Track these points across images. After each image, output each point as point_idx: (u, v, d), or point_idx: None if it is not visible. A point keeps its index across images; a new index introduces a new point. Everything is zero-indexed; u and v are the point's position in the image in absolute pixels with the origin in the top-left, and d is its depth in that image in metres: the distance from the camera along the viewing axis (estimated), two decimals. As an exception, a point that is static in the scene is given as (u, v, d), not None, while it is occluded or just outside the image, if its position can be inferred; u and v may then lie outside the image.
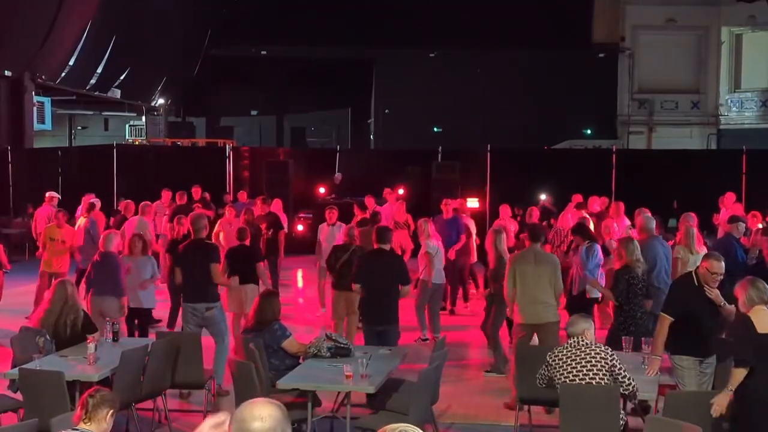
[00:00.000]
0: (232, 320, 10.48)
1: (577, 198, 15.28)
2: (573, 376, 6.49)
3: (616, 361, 6.49)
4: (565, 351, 6.58)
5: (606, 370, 6.43)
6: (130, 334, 10.29)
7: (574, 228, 10.86)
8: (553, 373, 6.63)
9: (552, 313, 8.75)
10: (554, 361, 6.61)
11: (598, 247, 10.42)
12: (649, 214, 10.24)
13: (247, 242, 11.12)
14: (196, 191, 17.43)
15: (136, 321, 10.53)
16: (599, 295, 10.19)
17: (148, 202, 14.49)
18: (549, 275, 8.74)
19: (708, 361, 7.28)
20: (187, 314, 9.17)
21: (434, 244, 11.61)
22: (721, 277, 7.24)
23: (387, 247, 9.03)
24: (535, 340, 8.86)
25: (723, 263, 7.25)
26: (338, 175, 21.39)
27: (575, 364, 6.49)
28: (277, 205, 15.68)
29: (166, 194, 16.75)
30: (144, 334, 10.38)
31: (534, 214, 13.80)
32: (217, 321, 9.19)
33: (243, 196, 18.04)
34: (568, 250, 11.38)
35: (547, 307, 8.73)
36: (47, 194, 16.13)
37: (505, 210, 14.41)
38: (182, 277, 9.28)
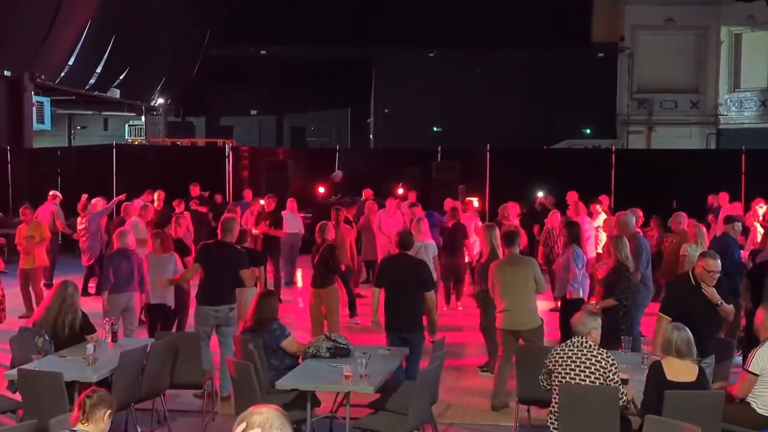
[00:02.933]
0: None
1: (574, 196, 15.22)
2: (570, 377, 6.45)
3: (613, 374, 6.37)
4: (566, 349, 6.51)
5: (602, 380, 6.37)
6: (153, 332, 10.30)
7: (566, 224, 10.87)
8: (552, 369, 6.59)
9: (533, 318, 8.73)
10: (553, 357, 6.57)
11: (579, 249, 10.41)
12: (629, 213, 10.25)
13: (248, 244, 11.22)
14: (194, 189, 17.40)
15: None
16: (581, 295, 10.23)
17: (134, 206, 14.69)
18: (528, 277, 8.72)
19: (706, 361, 7.27)
20: (207, 317, 8.97)
21: (419, 243, 11.54)
22: (718, 275, 7.27)
23: (410, 252, 9.01)
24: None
25: (719, 261, 7.29)
26: (338, 173, 21.31)
27: (573, 365, 6.43)
28: (291, 205, 15.80)
29: (147, 196, 16.71)
30: (170, 328, 10.38)
31: (511, 211, 13.68)
32: (235, 322, 9.12)
33: (248, 195, 18.03)
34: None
35: (528, 312, 8.70)
36: (50, 193, 16.33)
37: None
38: (205, 278, 9.07)
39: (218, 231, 9.37)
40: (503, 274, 8.80)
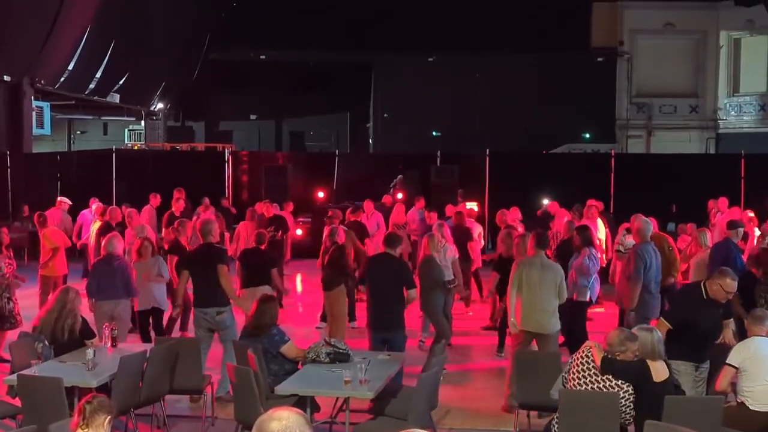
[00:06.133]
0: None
1: (555, 206, 15.25)
2: (582, 383, 6.44)
3: (626, 400, 6.33)
4: (590, 358, 6.44)
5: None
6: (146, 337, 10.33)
7: (577, 229, 10.91)
8: (570, 368, 6.54)
9: (554, 322, 8.72)
10: (576, 359, 6.52)
11: (594, 252, 10.47)
12: (647, 219, 10.23)
13: (263, 247, 11.36)
14: (179, 193, 17.30)
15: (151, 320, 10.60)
16: (587, 298, 10.30)
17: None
18: (554, 283, 8.71)
19: (704, 366, 7.32)
20: (198, 319, 9.19)
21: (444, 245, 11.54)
22: (732, 295, 7.28)
23: (394, 252, 9.02)
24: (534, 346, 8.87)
25: (736, 282, 7.24)
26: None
27: (590, 376, 6.41)
28: (287, 208, 15.83)
29: (154, 199, 16.71)
30: (160, 333, 10.39)
31: (509, 216, 13.78)
32: (227, 325, 9.16)
33: (260, 207, 17.91)
34: (562, 251, 11.37)
35: (551, 316, 8.69)
36: (58, 199, 16.51)
37: (514, 213, 14.45)
38: (192, 281, 9.29)
39: (199, 235, 9.57)
40: (531, 273, 8.73)
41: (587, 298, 10.43)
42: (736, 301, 9.11)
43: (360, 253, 13.26)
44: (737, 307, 8.70)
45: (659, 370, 6.32)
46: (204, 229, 9.44)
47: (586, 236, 10.54)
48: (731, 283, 7.16)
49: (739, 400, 6.82)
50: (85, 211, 16.94)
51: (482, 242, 14.67)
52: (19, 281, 11.17)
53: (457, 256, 11.65)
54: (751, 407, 6.73)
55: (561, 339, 10.61)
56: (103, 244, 10.21)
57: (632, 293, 9.38)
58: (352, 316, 12.82)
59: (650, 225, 9.97)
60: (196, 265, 9.29)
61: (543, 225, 14.40)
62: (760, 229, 13.14)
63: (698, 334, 7.20)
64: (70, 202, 17.01)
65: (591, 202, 14.59)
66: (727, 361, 6.82)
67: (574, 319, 10.34)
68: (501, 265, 10.56)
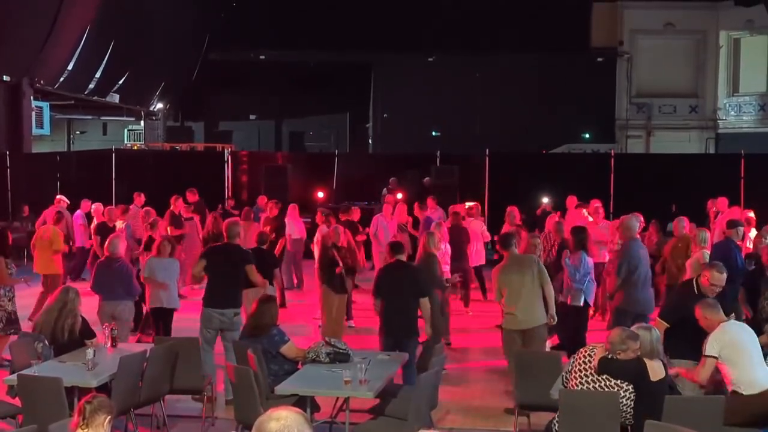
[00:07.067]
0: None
1: (573, 201, 15.26)
2: (583, 384, 6.43)
3: (627, 399, 6.34)
4: (592, 359, 6.43)
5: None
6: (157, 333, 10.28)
7: (572, 230, 10.88)
8: (570, 370, 6.54)
9: (541, 315, 8.77)
10: (577, 359, 6.52)
11: (587, 256, 10.43)
12: (633, 217, 10.20)
13: (266, 247, 11.51)
14: (191, 195, 17.27)
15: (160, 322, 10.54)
16: (581, 302, 10.28)
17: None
18: (533, 276, 8.75)
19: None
20: (211, 319, 9.05)
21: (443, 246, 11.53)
22: (720, 289, 7.27)
23: (403, 257, 9.01)
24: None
25: (725, 275, 7.24)
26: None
27: (591, 375, 6.40)
28: (293, 211, 15.90)
29: (138, 198, 16.68)
30: (168, 333, 10.35)
31: (516, 216, 13.87)
32: (239, 326, 9.12)
33: (262, 200, 17.83)
34: (558, 254, 11.35)
35: (537, 309, 8.75)
36: (57, 197, 16.54)
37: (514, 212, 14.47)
38: (211, 280, 9.19)
39: (224, 235, 9.53)
40: (510, 277, 8.76)
41: (581, 303, 10.35)
42: (741, 298, 9.13)
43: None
44: (742, 305, 8.70)
45: (655, 369, 6.33)
46: (231, 230, 9.41)
47: (580, 238, 10.51)
48: (718, 276, 7.18)
49: (730, 390, 6.80)
50: (77, 213, 16.89)
51: (488, 236, 14.69)
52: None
53: (449, 255, 11.68)
54: (745, 393, 6.69)
55: (556, 341, 10.65)
56: (105, 245, 10.20)
57: (611, 289, 9.51)
58: (348, 315, 12.83)
59: (637, 223, 10.00)
60: (218, 264, 9.17)
61: (542, 224, 14.42)
62: (756, 230, 13.13)
63: (696, 329, 7.19)
64: (68, 201, 16.99)
65: (594, 202, 14.60)
66: (705, 353, 6.77)
67: (574, 324, 10.31)
68: None
